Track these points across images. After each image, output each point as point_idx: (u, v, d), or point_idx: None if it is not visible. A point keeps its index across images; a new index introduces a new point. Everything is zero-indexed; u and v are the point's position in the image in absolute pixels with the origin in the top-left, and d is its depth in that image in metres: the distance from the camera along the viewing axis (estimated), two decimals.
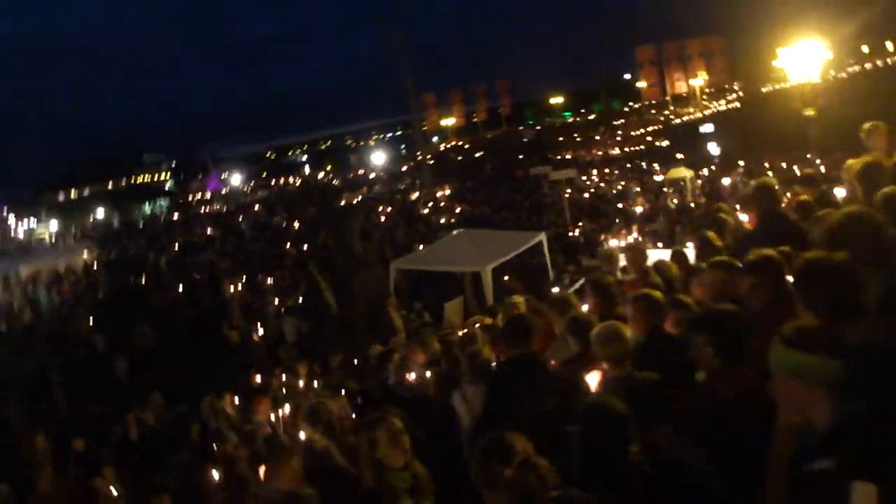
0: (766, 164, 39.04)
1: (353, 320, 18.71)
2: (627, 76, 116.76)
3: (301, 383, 14.86)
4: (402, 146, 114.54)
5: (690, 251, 11.19)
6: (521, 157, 68.35)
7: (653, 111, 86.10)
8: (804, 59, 16.29)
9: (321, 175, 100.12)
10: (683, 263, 10.26)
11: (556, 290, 16.37)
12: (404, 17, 50.00)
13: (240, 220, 55.58)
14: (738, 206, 12.73)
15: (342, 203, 32.82)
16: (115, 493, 9.71)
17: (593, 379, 6.50)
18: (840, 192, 10.07)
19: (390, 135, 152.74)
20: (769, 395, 4.16)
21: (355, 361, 14.91)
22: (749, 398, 4.88)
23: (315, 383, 13.75)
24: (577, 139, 76.71)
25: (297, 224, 43.55)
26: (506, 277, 20.03)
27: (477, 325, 10.85)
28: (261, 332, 20.96)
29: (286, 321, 20.95)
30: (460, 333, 10.85)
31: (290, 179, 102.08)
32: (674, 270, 9.65)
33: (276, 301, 24.05)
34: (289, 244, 35.62)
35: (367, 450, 6.29)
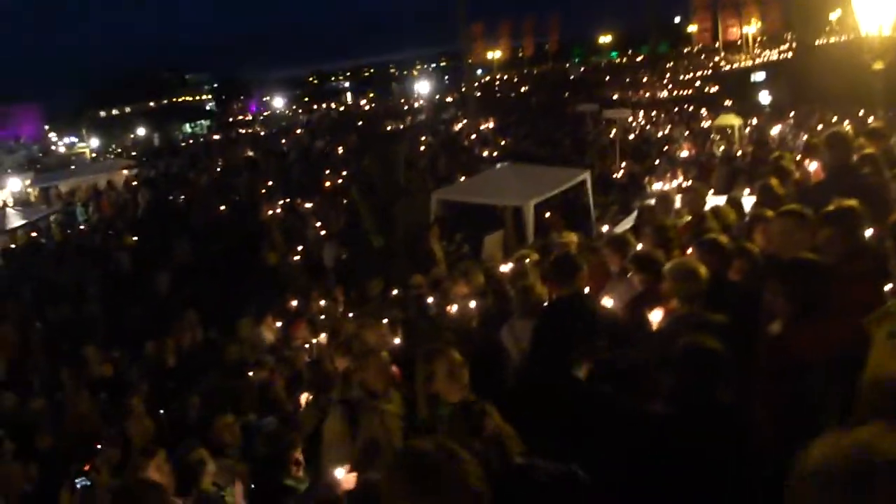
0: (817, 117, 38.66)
1: (393, 249, 18.54)
2: (678, 20, 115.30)
3: (339, 309, 14.81)
4: (446, 77, 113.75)
5: (746, 199, 10.89)
6: (566, 93, 67.54)
7: (702, 56, 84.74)
8: (877, 9, 15.58)
9: (363, 102, 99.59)
10: (739, 211, 9.97)
11: (603, 229, 16.12)
12: None
13: (281, 142, 55.47)
14: (798, 157, 12.32)
15: (387, 129, 32.11)
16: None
17: (657, 316, 6.26)
18: None
19: (434, 65, 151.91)
20: (851, 354, 3.91)
21: (395, 290, 14.70)
22: (827, 356, 4.58)
23: (352, 311, 13.64)
24: (625, 80, 75.46)
25: (339, 149, 43.47)
26: (547, 214, 19.73)
27: (528, 261, 10.54)
28: (298, 256, 20.87)
29: (325, 247, 20.83)
30: (507, 267, 10.58)
31: (332, 105, 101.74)
32: (732, 217, 9.34)
33: (317, 225, 23.86)
34: (329, 170, 35.31)
35: (423, 382, 5.92)
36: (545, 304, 7.61)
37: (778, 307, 5.18)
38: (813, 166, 9.81)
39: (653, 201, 11.41)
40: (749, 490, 4.04)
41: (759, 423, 4.63)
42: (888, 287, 5.02)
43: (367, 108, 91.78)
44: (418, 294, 12.27)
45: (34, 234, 30.54)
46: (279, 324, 15.37)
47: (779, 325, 5.23)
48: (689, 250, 7.37)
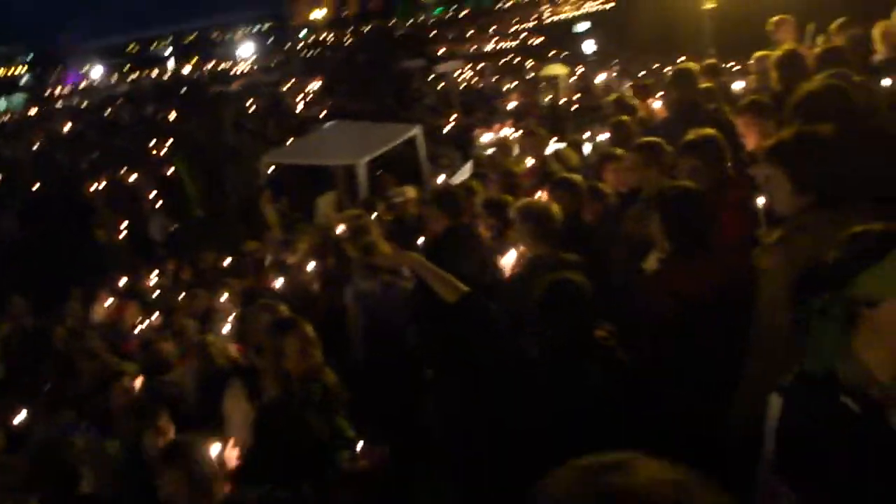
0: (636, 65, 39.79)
1: (223, 216, 18.03)
2: None
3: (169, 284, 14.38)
4: (269, 40, 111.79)
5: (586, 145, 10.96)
6: (393, 50, 67.34)
7: (527, 8, 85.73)
8: None
9: (187, 68, 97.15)
10: (580, 153, 10.06)
11: (439, 180, 16.06)
12: None
13: (105, 114, 53.67)
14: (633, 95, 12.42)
15: (213, 93, 31.11)
16: None
17: (509, 259, 6.13)
18: (739, 85, 9.89)
19: (257, 28, 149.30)
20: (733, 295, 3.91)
21: (228, 260, 14.29)
22: (711, 291, 4.53)
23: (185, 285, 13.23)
24: (450, 35, 75.80)
25: (165, 118, 42.34)
26: (379, 172, 19.57)
27: (372, 216, 10.36)
28: (125, 232, 20.18)
29: (152, 219, 20.20)
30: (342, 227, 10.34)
31: (155, 73, 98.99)
32: (574, 159, 9.39)
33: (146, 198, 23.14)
34: (154, 139, 34.36)
35: (273, 359, 5.59)
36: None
37: (656, 240, 5.06)
38: (657, 105, 9.87)
39: (489, 150, 11.37)
40: (643, 429, 3.99)
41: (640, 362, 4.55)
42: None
43: (191, 74, 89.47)
44: (255, 259, 11.90)
45: None
46: (109, 302, 14.85)
47: (654, 262, 5.15)
48: (538, 194, 7.30)
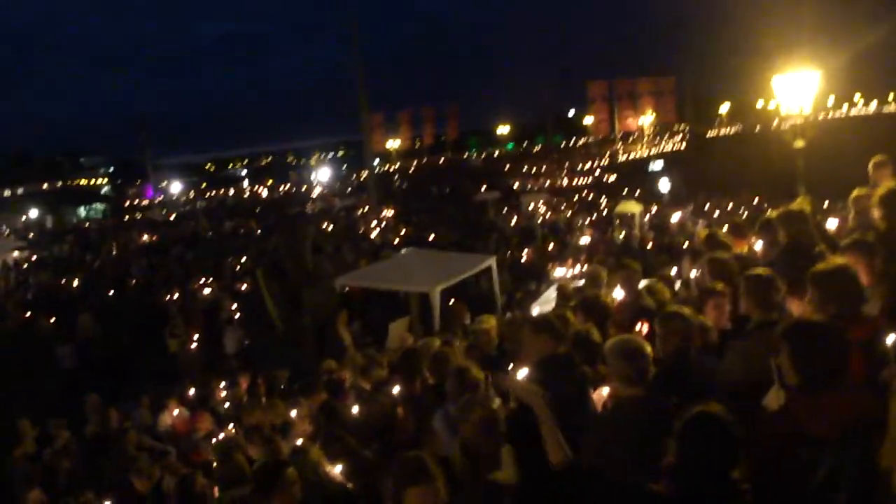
0: (711, 205, 40.22)
1: (298, 335, 18.01)
2: (571, 113, 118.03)
3: (244, 398, 14.30)
4: (344, 166, 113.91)
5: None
6: (467, 182, 68.17)
7: (599, 146, 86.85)
8: (798, 90, 16.23)
9: (261, 189, 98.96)
10: (671, 289, 9.91)
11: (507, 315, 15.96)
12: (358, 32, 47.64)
13: (182, 227, 54.79)
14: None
15: (294, 211, 31.52)
16: None
17: (600, 396, 5.97)
18: (831, 224, 9.72)
19: (332, 154, 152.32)
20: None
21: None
22: (839, 430, 4.21)
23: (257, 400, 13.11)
24: (523, 169, 76.73)
25: (244, 233, 43.11)
26: (451, 301, 19.52)
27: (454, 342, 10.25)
28: (196, 343, 20.27)
29: (227, 332, 20.29)
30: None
31: (231, 191, 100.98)
32: (666, 294, 9.24)
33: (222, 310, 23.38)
34: (232, 255, 34.93)
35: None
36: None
37: (784, 375, 4.73)
38: (758, 245, 9.69)
39: (579, 282, 11.22)
40: None
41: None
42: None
43: (265, 195, 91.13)
44: (333, 380, 11.79)
45: None
46: (177, 411, 14.89)
47: (778, 398, 4.88)
48: (637, 327, 7.16)
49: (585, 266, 23.97)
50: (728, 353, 6.17)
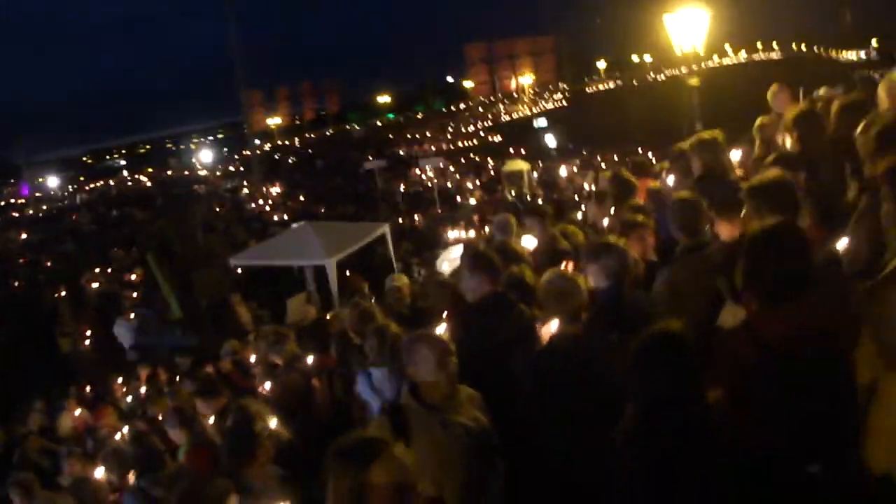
0: (599, 157, 41.06)
1: (196, 318, 17.42)
2: (450, 79, 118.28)
3: (143, 390, 13.82)
4: (224, 149, 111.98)
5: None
6: (351, 154, 67.68)
7: (480, 108, 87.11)
8: (689, 27, 16.40)
9: (143, 178, 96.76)
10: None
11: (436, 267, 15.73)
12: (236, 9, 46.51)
13: (62, 223, 53.17)
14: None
15: (181, 193, 30.56)
16: None
17: (549, 329, 5.73)
18: (735, 155, 9.62)
19: (210, 138, 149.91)
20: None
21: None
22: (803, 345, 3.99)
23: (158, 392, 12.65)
24: (408, 136, 76.52)
25: (128, 222, 42.09)
26: (347, 272, 19.26)
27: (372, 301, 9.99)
28: (87, 340, 19.59)
29: (121, 324, 19.61)
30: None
31: (110, 182, 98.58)
32: (580, 236, 9.06)
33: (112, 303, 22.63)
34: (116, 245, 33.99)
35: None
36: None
37: (743, 290, 4.48)
38: (671, 179, 9.53)
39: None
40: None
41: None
42: None
43: (147, 183, 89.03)
44: (238, 361, 11.41)
45: None
46: (78, 411, 14.35)
47: (734, 315, 4.71)
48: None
49: (478, 226, 24.15)
50: (658, 278, 6.02)
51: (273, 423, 6.84)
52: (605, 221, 9.45)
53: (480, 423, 4.85)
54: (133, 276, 25.30)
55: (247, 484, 5.38)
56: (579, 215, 12.59)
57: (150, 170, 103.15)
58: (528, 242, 9.00)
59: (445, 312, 7.30)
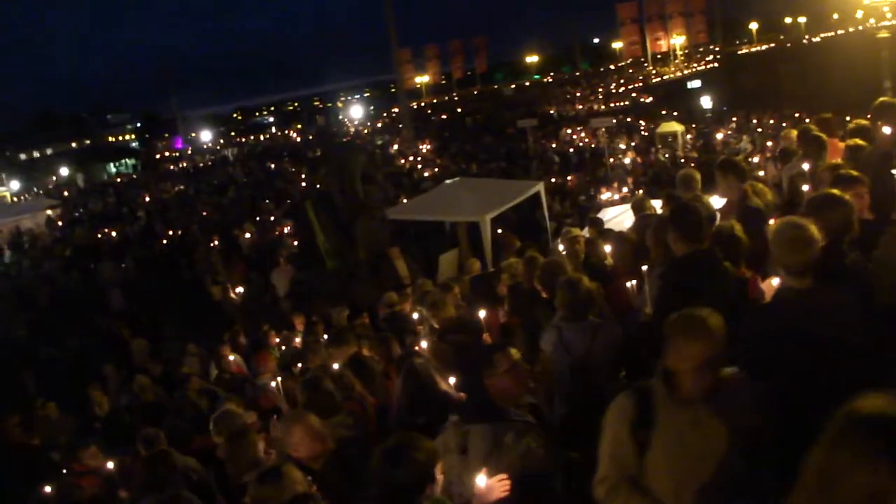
0: (755, 120, 39.92)
1: (352, 270, 17.16)
2: (596, 40, 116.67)
3: (297, 339, 13.57)
4: (371, 107, 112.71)
5: None
6: (502, 112, 67.15)
7: (630, 70, 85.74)
8: None
9: (292, 133, 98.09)
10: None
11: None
12: None
13: (216, 175, 54.31)
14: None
15: (342, 141, 30.33)
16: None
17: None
18: None
19: (358, 96, 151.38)
20: None
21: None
22: None
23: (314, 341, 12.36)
24: (557, 96, 75.68)
25: (281, 176, 42.70)
26: (499, 230, 18.77)
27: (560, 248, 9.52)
28: (239, 289, 19.57)
29: (275, 273, 19.56)
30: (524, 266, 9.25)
31: (261, 138, 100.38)
32: (769, 195, 8.41)
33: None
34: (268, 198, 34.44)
35: None
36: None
37: None
38: (887, 129, 8.80)
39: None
40: None
41: None
42: None
43: (297, 138, 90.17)
44: (402, 316, 11.02)
45: None
46: (232, 358, 14.26)
47: None
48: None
49: (631, 188, 23.52)
50: (886, 238, 5.34)
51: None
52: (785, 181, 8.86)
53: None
54: (286, 229, 25.67)
55: None
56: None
57: (299, 126, 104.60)
58: (716, 201, 8.44)
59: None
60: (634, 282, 6.56)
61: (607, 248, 9.34)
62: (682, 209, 6.14)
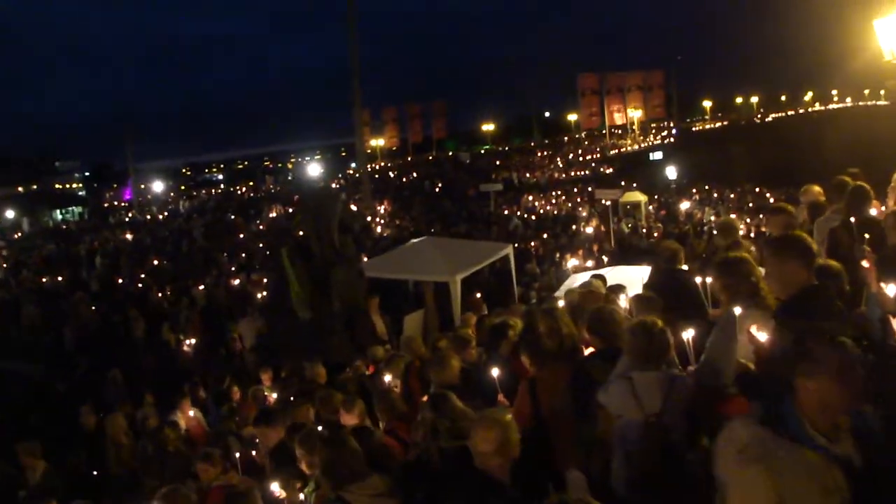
0: (716, 194, 40.69)
1: (325, 324, 16.34)
2: (547, 114, 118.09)
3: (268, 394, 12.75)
4: (321, 170, 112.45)
5: None
6: (461, 177, 67.28)
7: (586, 142, 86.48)
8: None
9: (242, 190, 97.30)
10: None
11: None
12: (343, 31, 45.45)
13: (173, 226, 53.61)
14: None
15: (320, 188, 29.40)
16: None
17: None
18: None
19: (308, 158, 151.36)
20: None
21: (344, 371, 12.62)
22: None
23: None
24: (516, 163, 76.04)
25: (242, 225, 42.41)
26: (476, 293, 18.29)
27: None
28: (191, 340, 18.89)
29: (242, 323, 18.82)
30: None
31: (213, 192, 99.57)
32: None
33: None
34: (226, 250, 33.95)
35: None
36: None
37: None
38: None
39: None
40: None
41: None
42: None
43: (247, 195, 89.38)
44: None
45: None
46: (192, 412, 13.47)
47: None
48: None
49: (595, 255, 23.32)
50: None
51: None
52: None
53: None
54: (236, 282, 25.14)
55: None
56: None
57: (250, 183, 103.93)
58: None
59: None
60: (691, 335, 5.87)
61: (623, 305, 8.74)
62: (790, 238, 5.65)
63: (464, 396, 6.65)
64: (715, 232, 9.13)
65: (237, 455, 8.76)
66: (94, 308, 24.19)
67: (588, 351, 7.02)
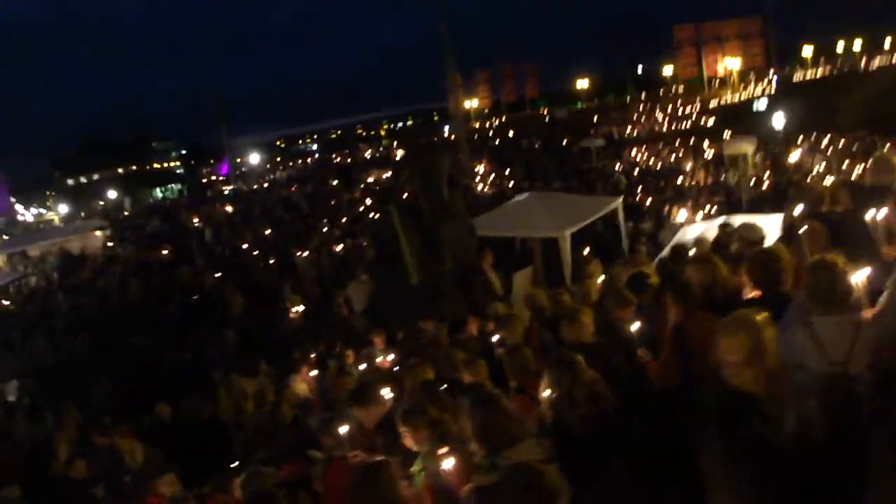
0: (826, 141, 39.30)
1: (438, 283, 15.83)
2: (640, 68, 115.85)
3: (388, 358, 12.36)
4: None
5: None
6: (558, 134, 66.38)
7: (683, 94, 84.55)
8: None
9: (337, 159, 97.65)
10: None
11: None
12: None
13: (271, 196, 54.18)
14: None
15: (426, 141, 28.71)
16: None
17: None
18: None
19: (401, 124, 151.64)
20: None
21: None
22: None
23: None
24: (615, 118, 74.76)
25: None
26: (586, 251, 17.66)
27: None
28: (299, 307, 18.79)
29: (351, 287, 18.51)
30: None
31: (308, 162, 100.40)
32: None
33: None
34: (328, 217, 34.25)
35: None
36: None
37: None
38: None
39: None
40: None
41: None
42: None
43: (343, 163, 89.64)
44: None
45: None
46: (313, 373, 13.45)
47: None
48: None
49: (705, 208, 22.57)
50: None
51: None
52: None
53: None
54: (338, 249, 25.30)
55: None
56: None
57: (346, 152, 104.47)
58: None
59: None
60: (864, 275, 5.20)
61: None
62: None
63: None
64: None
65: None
66: (201, 281, 24.44)
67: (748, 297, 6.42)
